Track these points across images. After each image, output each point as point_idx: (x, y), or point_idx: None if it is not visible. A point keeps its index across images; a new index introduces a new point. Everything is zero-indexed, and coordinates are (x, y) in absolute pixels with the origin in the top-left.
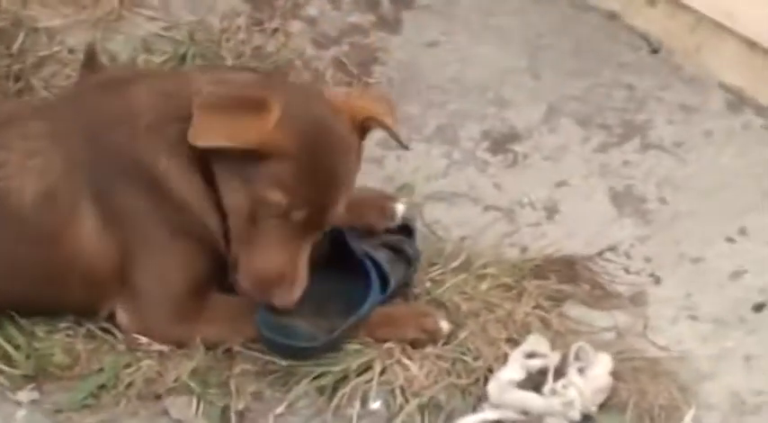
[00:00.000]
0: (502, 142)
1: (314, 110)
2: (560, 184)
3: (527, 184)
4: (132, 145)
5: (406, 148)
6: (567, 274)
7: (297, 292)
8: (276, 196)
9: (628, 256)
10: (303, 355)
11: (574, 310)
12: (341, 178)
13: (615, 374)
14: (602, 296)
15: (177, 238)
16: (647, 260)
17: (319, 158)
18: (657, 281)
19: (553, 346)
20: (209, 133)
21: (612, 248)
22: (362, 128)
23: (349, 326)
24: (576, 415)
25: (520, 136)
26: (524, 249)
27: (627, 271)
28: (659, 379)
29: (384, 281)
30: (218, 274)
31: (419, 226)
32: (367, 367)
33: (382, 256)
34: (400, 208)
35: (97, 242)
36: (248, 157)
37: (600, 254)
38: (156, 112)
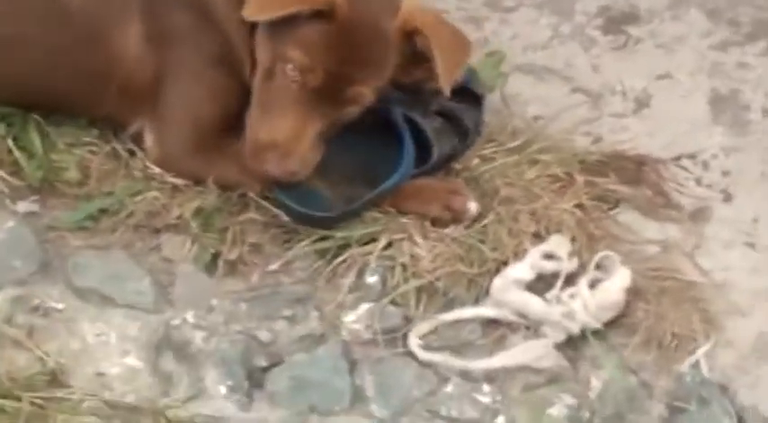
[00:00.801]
0: (618, 22)
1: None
2: (662, 76)
3: (627, 71)
4: None
5: (443, 93)
6: (631, 175)
7: (292, 163)
8: (295, 53)
9: (705, 166)
10: (317, 223)
11: (624, 215)
12: (368, 60)
13: (638, 292)
14: (660, 205)
15: (213, 68)
16: (725, 174)
17: (352, 35)
18: (728, 198)
19: (582, 251)
20: (269, 4)
21: (692, 156)
22: (409, 38)
23: (370, 199)
24: (575, 328)
25: (639, 18)
26: (597, 140)
27: (698, 182)
28: (685, 305)
29: (426, 151)
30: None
31: (496, 97)
32: (372, 238)
33: (430, 123)
34: None
35: (139, 52)
36: (288, 18)
37: (676, 159)
38: None
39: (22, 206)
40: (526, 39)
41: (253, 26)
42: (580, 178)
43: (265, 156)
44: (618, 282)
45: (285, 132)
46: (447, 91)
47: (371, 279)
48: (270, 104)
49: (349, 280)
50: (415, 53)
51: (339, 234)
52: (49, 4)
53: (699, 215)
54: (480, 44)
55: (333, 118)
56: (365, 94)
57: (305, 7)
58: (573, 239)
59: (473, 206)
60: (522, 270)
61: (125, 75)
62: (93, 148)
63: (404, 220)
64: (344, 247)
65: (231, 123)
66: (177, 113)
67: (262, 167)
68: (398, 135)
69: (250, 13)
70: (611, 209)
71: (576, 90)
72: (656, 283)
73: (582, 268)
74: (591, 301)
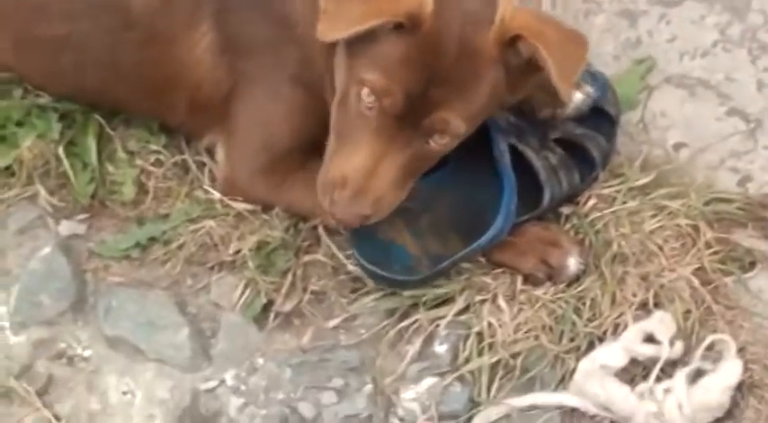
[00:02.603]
0: None
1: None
2: None
3: None
4: None
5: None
6: None
7: (363, 205)
8: (370, 75)
9: None
10: (396, 285)
11: (758, 281)
12: (456, 81)
13: (754, 386)
14: None
15: (291, 87)
16: None
17: (438, 49)
18: None
19: (694, 330)
20: (341, 21)
21: None
22: (511, 45)
23: (460, 257)
24: None
25: None
26: (745, 179)
27: None
28: None
29: (539, 191)
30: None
31: (637, 116)
32: (449, 298)
33: (545, 158)
34: (576, 97)
35: (211, 62)
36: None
37: None
38: None
39: (66, 227)
40: (684, 42)
41: (334, 43)
42: (708, 233)
43: (333, 195)
44: (724, 378)
45: (356, 168)
46: (568, 99)
47: (440, 348)
48: (344, 135)
49: (414, 347)
50: (522, 65)
51: (406, 293)
52: (109, 4)
53: None
54: (631, 46)
55: (416, 151)
56: (453, 121)
57: (382, 20)
58: (686, 313)
59: (573, 264)
60: (612, 354)
61: (195, 84)
62: (160, 157)
63: (490, 275)
64: (416, 306)
65: (307, 148)
66: (249, 132)
67: (329, 208)
68: (500, 173)
69: (322, 32)
70: (744, 272)
71: (733, 112)
72: None
73: (687, 355)
74: (687, 401)
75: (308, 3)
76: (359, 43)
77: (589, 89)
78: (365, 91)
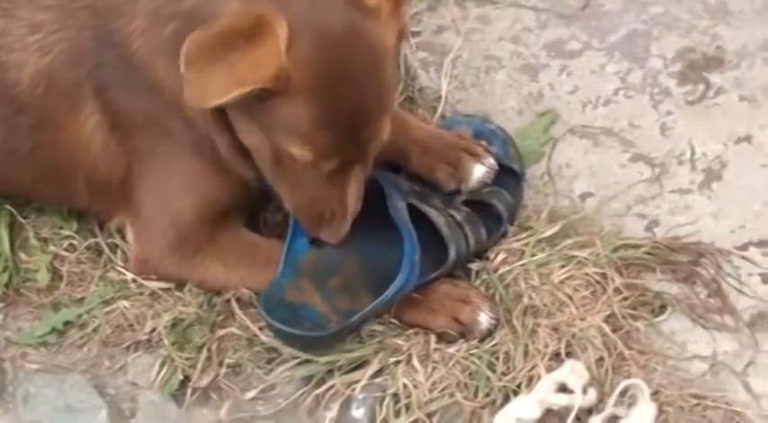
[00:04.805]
0: (698, 68)
1: (333, 14)
2: (741, 139)
3: (701, 131)
4: (130, 39)
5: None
6: (686, 270)
7: (344, 227)
8: (299, 151)
9: None
10: (308, 344)
11: (669, 323)
12: (378, 107)
13: None
14: (714, 310)
15: (183, 156)
16: None
17: (346, 87)
18: None
19: (607, 377)
20: (206, 92)
21: (762, 243)
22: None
23: (366, 313)
24: None
25: (724, 63)
26: (652, 224)
27: (765, 279)
28: None
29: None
30: (239, 202)
31: (542, 168)
32: (363, 362)
33: (448, 215)
34: (478, 171)
35: (101, 142)
36: (260, 96)
37: (742, 248)
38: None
39: None
40: (587, 91)
41: None
42: (617, 280)
43: (321, 228)
44: (638, 422)
45: (331, 202)
46: None
47: (357, 412)
48: (298, 182)
49: (332, 413)
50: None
51: (324, 358)
52: None
53: (759, 323)
54: (533, 99)
55: (367, 164)
56: (385, 137)
57: (248, 89)
58: (599, 361)
59: (484, 319)
60: (527, 407)
61: (90, 166)
62: (73, 242)
63: (402, 337)
64: (331, 372)
65: (215, 217)
66: (153, 210)
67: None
68: (399, 231)
69: (189, 100)
70: (655, 315)
71: (637, 158)
72: (695, 418)
73: (602, 402)
74: None
75: (171, 67)
76: (249, 104)
77: (491, 161)
78: (299, 160)
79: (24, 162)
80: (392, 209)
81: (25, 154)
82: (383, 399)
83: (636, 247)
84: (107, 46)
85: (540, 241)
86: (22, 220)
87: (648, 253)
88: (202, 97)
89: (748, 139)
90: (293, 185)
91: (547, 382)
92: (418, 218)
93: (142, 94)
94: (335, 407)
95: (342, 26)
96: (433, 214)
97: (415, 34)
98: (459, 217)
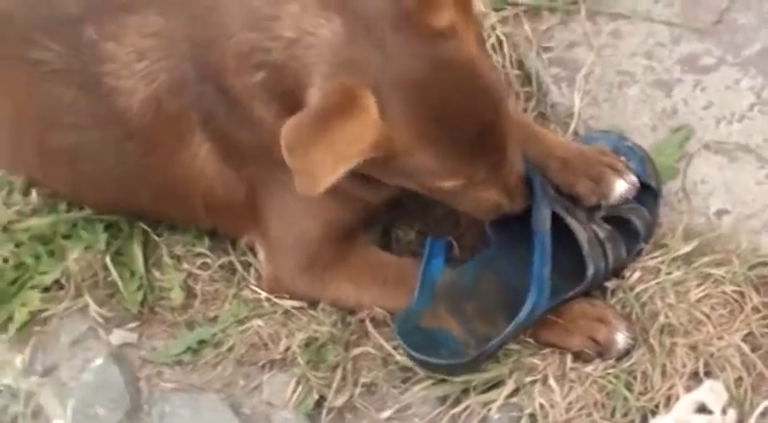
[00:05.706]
0: None
1: (408, 56)
2: None
3: None
4: (224, 75)
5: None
6: None
7: (522, 200)
8: (445, 184)
9: None
10: (445, 371)
11: None
12: (491, 108)
13: None
14: None
15: None
16: None
17: (452, 116)
18: None
19: (747, 397)
20: (315, 178)
21: None
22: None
23: (505, 337)
24: None
25: None
26: None
27: None
28: None
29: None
30: (365, 222)
31: (677, 185)
32: (499, 381)
33: (591, 231)
34: (621, 187)
35: (215, 169)
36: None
37: None
38: (247, 43)
39: (117, 336)
40: (721, 107)
41: None
42: (755, 298)
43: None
44: None
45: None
46: None
47: None
48: (457, 195)
49: None
50: None
51: (457, 379)
52: (109, 115)
53: None
54: (667, 115)
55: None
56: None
57: (351, 163)
58: (738, 381)
59: (621, 339)
60: None
61: (206, 190)
62: (206, 260)
63: (538, 356)
64: (467, 391)
65: (341, 236)
66: (280, 231)
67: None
68: (536, 246)
69: (304, 191)
70: None
71: None
72: None
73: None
74: None
75: (267, 110)
76: (370, 168)
77: (633, 178)
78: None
79: (139, 185)
80: (535, 217)
81: (138, 178)
82: (519, 418)
83: None
84: (206, 78)
85: (675, 259)
86: (156, 238)
87: None
88: (313, 184)
89: None
90: (456, 199)
91: (686, 402)
92: (555, 235)
93: (245, 127)
94: None
95: (421, 65)
96: (577, 228)
97: (547, 49)
98: (602, 234)
